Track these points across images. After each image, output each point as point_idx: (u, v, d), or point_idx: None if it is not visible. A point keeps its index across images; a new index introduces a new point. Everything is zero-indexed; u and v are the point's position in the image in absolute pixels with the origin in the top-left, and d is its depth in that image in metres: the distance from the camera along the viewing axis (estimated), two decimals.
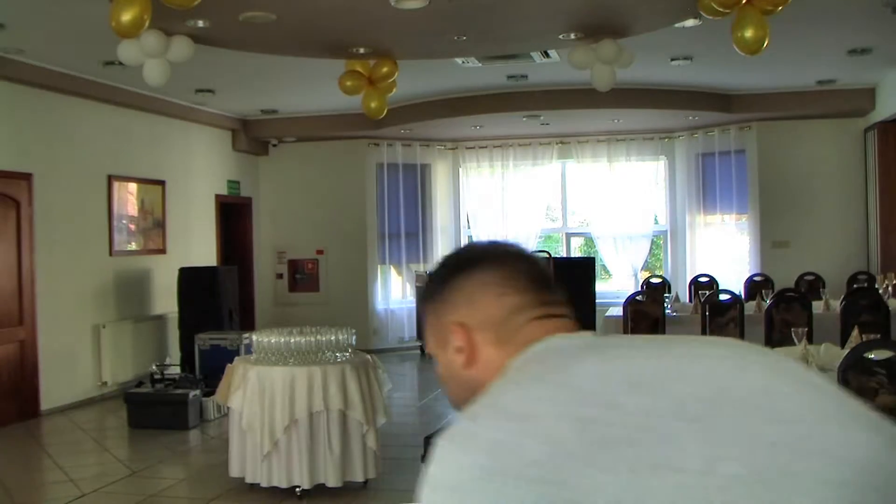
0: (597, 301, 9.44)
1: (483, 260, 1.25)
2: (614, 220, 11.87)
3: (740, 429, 0.92)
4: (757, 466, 0.89)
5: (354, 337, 5.39)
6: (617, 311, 7.70)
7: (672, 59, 8.32)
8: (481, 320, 1.19)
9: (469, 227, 12.64)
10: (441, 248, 12.52)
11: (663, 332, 7.09)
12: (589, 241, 12.71)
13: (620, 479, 0.89)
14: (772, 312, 6.68)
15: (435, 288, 1.26)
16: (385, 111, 7.51)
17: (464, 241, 12.67)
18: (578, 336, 1.17)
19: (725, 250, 11.45)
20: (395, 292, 12.50)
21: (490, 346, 1.18)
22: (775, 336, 6.53)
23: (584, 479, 0.89)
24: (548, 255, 9.62)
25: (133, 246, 9.42)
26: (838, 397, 1.00)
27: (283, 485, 5.02)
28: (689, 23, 6.64)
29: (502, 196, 12.30)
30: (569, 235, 12.65)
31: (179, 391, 7.34)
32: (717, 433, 0.92)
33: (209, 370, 7.80)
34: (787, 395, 0.98)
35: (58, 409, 8.13)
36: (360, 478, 5.17)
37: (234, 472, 5.23)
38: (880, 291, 7.68)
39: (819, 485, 0.88)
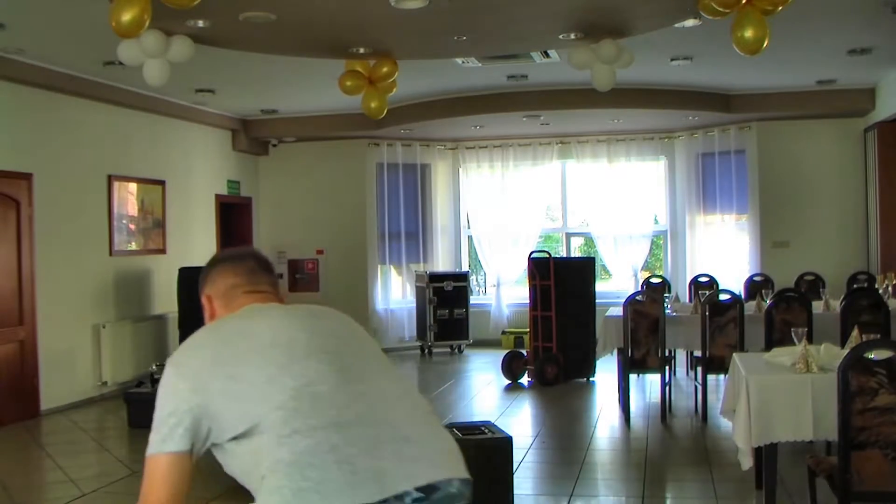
0: (597, 301, 9.43)
1: (227, 258, 2.19)
2: (614, 220, 11.87)
3: (276, 359, 1.83)
4: (284, 375, 1.80)
5: None
6: (617, 311, 7.70)
7: (672, 59, 8.32)
8: (217, 293, 2.11)
9: (469, 227, 12.64)
10: (441, 248, 12.53)
11: (664, 334, 7.09)
12: (589, 241, 12.71)
13: (221, 383, 1.79)
14: (772, 312, 6.68)
15: (202, 276, 2.16)
16: (385, 111, 7.51)
17: (464, 241, 12.72)
18: (261, 305, 2.05)
19: (725, 250, 11.45)
20: (395, 292, 12.50)
21: (221, 309, 2.09)
22: (775, 336, 6.52)
23: (208, 381, 1.80)
24: (548, 255, 9.61)
25: (133, 246, 9.42)
26: (327, 332, 1.97)
27: None
28: (689, 23, 6.64)
29: (502, 196, 12.30)
30: (569, 235, 12.66)
31: None
32: (267, 361, 1.82)
33: None
34: (303, 339, 1.90)
35: (58, 409, 8.13)
36: None
37: None
38: (880, 291, 7.67)
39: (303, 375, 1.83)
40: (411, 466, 1.75)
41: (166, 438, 1.79)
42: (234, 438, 1.78)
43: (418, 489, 1.72)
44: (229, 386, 1.79)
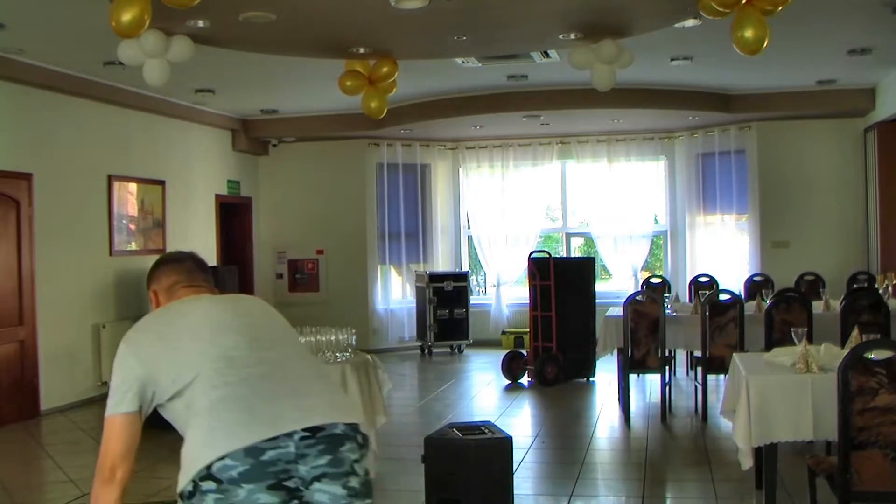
0: (597, 301, 9.43)
1: (170, 260, 2.72)
2: (614, 220, 11.87)
3: (204, 333, 2.36)
4: (208, 345, 2.33)
5: (354, 337, 5.39)
6: (617, 311, 7.70)
7: (672, 59, 8.32)
8: (161, 288, 2.62)
9: (469, 227, 12.64)
10: (441, 248, 12.53)
11: (664, 334, 7.09)
12: (589, 241, 12.71)
13: (162, 355, 2.31)
14: (772, 312, 6.68)
15: (149, 275, 2.67)
16: (385, 111, 7.50)
17: (464, 241, 12.71)
18: (195, 296, 2.56)
19: (725, 250, 11.45)
20: (395, 292, 12.50)
21: (164, 301, 2.60)
22: (775, 336, 6.52)
23: (153, 355, 2.30)
24: (548, 255, 9.61)
25: (133, 246, 9.42)
26: (247, 317, 2.49)
27: None
28: (689, 23, 6.64)
29: (502, 196, 12.30)
30: (569, 235, 12.66)
31: None
32: (197, 336, 2.34)
33: None
34: (224, 319, 2.44)
35: (58, 408, 8.13)
36: None
37: None
38: (880, 291, 7.67)
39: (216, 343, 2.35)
40: (302, 413, 2.22)
41: (119, 402, 2.29)
42: (172, 398, 2.28)
43: (305, 429, 2.18)
44: (168, 357, 2.31)
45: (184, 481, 2.17)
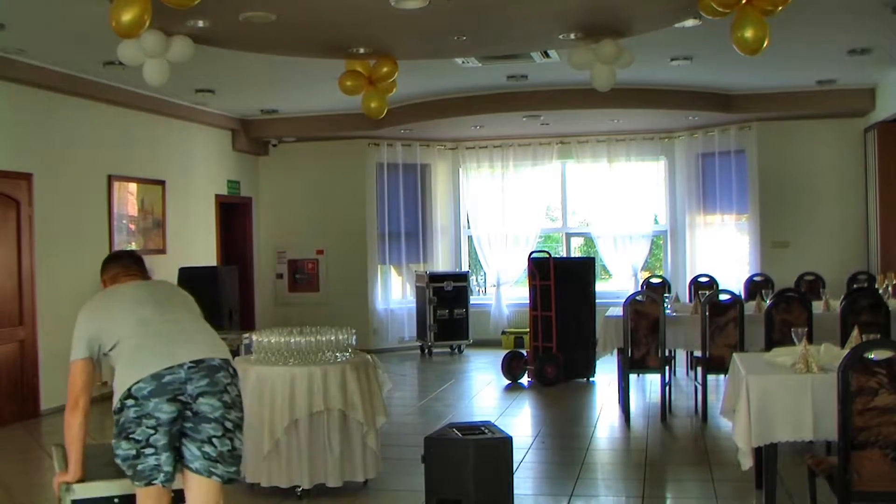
0: (597, 301, 9.43)
1: (114, 258, 3.80)
2: (614, 220, 11.88)
3: (128, 305, 3.46)
4: (131, 313, 3.42)
5: (354, 337, 5.38)
6: (617, 311, 7.69)
7: (672, 59, 8.32)
8: (108, 278, 3.67)
9: (469, 227, 12.64)
10: (441, 248, 12.54)
11: (664, 334, 7.09)
12: (589, 241, 12.71)
13: (103, 319, 3.42)
14: (772, 312, 6.68)
15: (101, 269, 3.72)
16: (385, 111, 7.50)
17: (464, 241, 12.72)
18: (130, 282, 3.61)
19: (725, 250, 11.45)
20: (395, 292, 12.50)
21: (110, 285, 3.64)
22: (775, 336, 6.52)
23: (98, 318, 3.43)
24: (548, 255, 9.62)
25: (133, 246, 9.41)
26: (173, 301, 3.62)
27: (284, 485, 5.02)
28: (689, 23, 6.64)
29: (502, 196, 12.30)
30: (569, 235, 12.66)
31: None
32: (125, 307, 3.44)
33: None
34: (143, 295, 3.54)
35: (58, 409, 8.10)
36: (360, 478, 5.16)
37: None
38: (880, 291, 7.67)
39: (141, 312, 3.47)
40: (189, 351, 3.26)
41: (77, 351, 3.40)
42: (111, 349, 3.34)
43: (192, 361, 3.23)
44: (107, 321, 3.37)
45: (115, 402, 3.27)
